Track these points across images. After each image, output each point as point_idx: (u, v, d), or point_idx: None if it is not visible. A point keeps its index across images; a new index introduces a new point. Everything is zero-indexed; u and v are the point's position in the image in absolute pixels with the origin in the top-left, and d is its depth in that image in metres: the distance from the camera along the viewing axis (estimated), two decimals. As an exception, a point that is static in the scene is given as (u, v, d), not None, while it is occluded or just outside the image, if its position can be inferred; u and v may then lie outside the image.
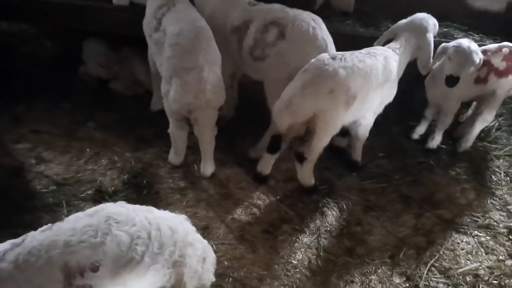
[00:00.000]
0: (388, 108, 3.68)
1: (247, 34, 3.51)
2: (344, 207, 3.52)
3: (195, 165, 3.71)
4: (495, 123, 4.41)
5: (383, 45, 3.58)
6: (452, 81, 3.44)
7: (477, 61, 3.44)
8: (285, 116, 3.19)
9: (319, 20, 3.48)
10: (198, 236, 2.18)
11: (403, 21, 3.59)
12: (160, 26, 3.38)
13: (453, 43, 3.50)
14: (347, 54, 3.19)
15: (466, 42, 3.46)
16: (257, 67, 3.58)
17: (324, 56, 3.16)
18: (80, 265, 1.79)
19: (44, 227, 1.91)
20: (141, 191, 3.42)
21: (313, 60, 3.17)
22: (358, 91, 3.16)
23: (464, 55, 3.39)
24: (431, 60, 3.53)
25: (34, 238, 1.84)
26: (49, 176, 3.46)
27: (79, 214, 1.95)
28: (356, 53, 3.24)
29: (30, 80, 4.42)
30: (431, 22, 3.52)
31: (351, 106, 3.19)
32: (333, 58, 3.13)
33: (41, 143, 3.76)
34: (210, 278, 2.29)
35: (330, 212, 3.47)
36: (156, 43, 3.45)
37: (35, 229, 2.85)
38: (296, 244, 3.19)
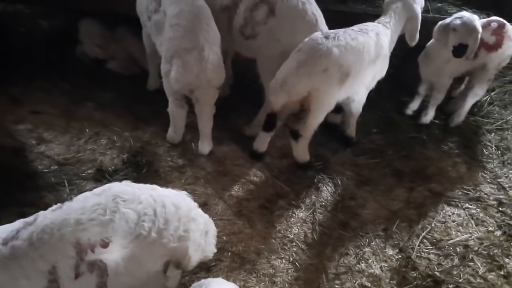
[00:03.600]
0: (381, 84, 3.74)
1: (237, 13, 3.52)
2: (339, 182, 3.61)
3: (192, 143, 3.77)
4: (487, 97, 4.48)
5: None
6: (461, 49, 3.51)
7: (481, 29, 3.51)
8: (280, 95, 3.24)
9: None
10: (200, 211, 2.27)
11: None
12: (160, 7, 3.38)
13: (454, 16, 3.58)
14: (340, 32, 3.22)
15: (466, 13, 3.57)
16: (248, 45, 3.61)
17: (318, 35, 3.19)
18: (91, 241, 1.87)
19: (54, 206, 1.98)
20: (141, 169, 3.48)
21: (306, 39, 3.20)
22: (351, 68, 3.21)
23: (470, 22, 3.48)
24: (418, 32, 3.57)
25: (46, 217, 1.91)
26: (50, 156, 3.51)
27: (87, 193, 2.03)
28: (349, 30, 3.28)
29: (27, 61, 4.41)
30: None
31: (344, 83, 3.25)
32: (327, 37, 3.16)
33: (41, 123, 3.79)
34: (212, 250, 2.39)
35: (325, 188, 3.56)
36: (155, 24, 3.46)
37: (39, 207, 2.95)
38: (292, 219, 3.28)
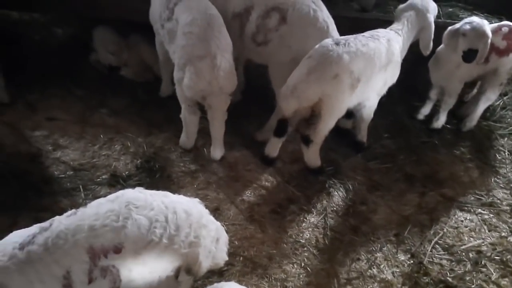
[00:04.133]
0: (392, 88, 3.73)
1: (249, 21, 3.56)
2: (350, 187, 3.61)
3: (204, 149, 3.81)
4: (500, 102, 4.46)
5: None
6: (471, 54, 3.50)
7: (490, 34, 3.50)
8: (291, 101, 3.27)
9: (319, 2, 3.52)
10: (211, 218, 2.30)
11: (404, 4, 3.64)
12: (173, 16, 3.43)
13: (463, 21, 3.58)
14: (351, 38, 3.24)
15: (476, 18, 3.55)
16: (260, 51, 3.65)
17: (328, 41, 3.21)
18: (104, 247, 1.91)
19: (69, 212, 2.03)
20: (154, 175, 3.53)
21: (317, 46, 3.23)
22: (362, 74, 3.23)
23: (479, 27, 3.46)
24: (432, 40, 3.58)
25: (61, 222, 1.97)
26: (65, 162, 3.58)
27: (101, 200, 2.07)
28: (360, 37, 3.29)
29: (43, 68, 4.49)
30: (431, 4, 3.59)
31: (355, 89, 3.26)
32: (337, 43, 3.18)
33: (56, 130, 3.87)
34: (223, 257, 2.41)
35: (336, 192, 3.57)
36: (168, 32, 3.51)
37: (55, 212, 3.01)
38: (303, 224, 3.30)
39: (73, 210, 2.03)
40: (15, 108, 4.03)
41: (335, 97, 3.23)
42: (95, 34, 4.60)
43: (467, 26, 3.48)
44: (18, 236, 1.99)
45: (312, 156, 3.59)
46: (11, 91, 4.09)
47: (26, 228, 2.05)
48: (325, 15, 3.48)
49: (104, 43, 4.52)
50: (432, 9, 3.59)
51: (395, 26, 3.55)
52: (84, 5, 4.17)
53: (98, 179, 3.47)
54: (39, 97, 4.20)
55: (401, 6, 3.65)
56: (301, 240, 3.17)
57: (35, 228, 2.00)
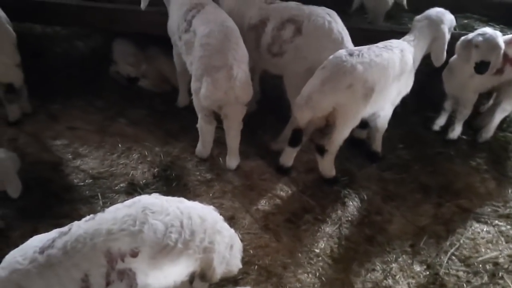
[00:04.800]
0: (406, 99, 3.75)
1: (265, 32, 3.62)
2: (365, 197, 3.61)
3: (220, 158, 3.85)
4: (517, 113, 4.41)
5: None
6: (483, 66, 3.48)
7: (503, 45, 3.49)
8: (305, 111, 3.30)
9: (334, 14, 3.56)
10: (226, 224, 2.33)
11: (421, 15, 3.65)
12: (191, 28, 3.50)
13: (476, 32, 3.56)
14: (364, 49, 3.27)
15: (489, 29, 3.54)
16: (275, 62, 3.70)
17: (342, 52, 3.25)
18: (121, 251, 1.96)
19: (87, 217, 2.09)
20: (171, 183, 3.58)
21: (331, 57, 3.27)
22: (376, 84, 3.25)
23: (492, 39, 3.45)
24: (445, 52, 3.58)
25: (79, 227, 2.03)
26: (85, 170, 3.66)
27: (118, 205, 2.13)
28: (373, 47, 3.32)
29: (64, 80, 4.62)
30: (447, 16, 3.59)
31: (369, 99, 3.28)
32: (351, 54, 3.21)
33: (76, 139, 3.96)
34: (237, 264, 2.44)
35: (351, 202, 3.57)
36: (186, 44, 3.58)
37: (74, 219, 3.08)
38: (318, 233, 3.30)
39: (91, 215, 2.09)
40: (38, 118, 4.15)
41: (349, 107, 3.25)
42: (115, 46, 4.71)
43: (480, 38, 3.47)
44: (38, 240, 2.05)
45: (327, 166, 3.61)
46: (34, 102, 4.22)
47: (46, 233, 2.12)
48: (339, 27, 3.53)
49: (123, 55, 4.61)
50: (447, 21, 3.58)
51: (407, 37, 3.56)
52: (104, 19, 4.28)
53: (116, 187, 3.54)
54: (61, 108, 4.31)
55: (418, 17, 3.66)
56: (316, 250, 3.17)
57: (54, 232, 2.06)
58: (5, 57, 3.73)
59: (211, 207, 2.31)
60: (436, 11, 3.59)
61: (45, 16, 4.43)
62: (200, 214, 2.15)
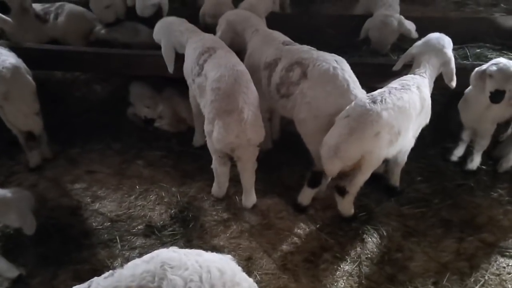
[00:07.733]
0: (424, 130, 3.70)
1: (275, 71, 3.63)
2: (384, 233, 3.55)
3: (236, 197, 3.86)
4: (537, 141, 4.32)
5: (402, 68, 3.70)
6: (498, 95, 3.45)
7: None
8: (336, 162, 3.26)
9: (342, 61, 3.48)
10: (244, 275, 2.29)
11: (418, 43, 3.66)
12: (202, 71, 3.57)
13: (490, 63, 3.55)
14: (386, 94, 3.23)
15: (503, 59, 3.53)
16: (282, 104, 3.67)
17: (364, 100, 3.20)
18: None
19: (107, 274, 2.08)
20: (188, 224, 3.60)
21: (353, 104, 3.22)
22: (401, 127, 3.24)
23: (506, 68, 3.43)
24: (454, 72, 3.57)
25: (99, 284, 2.02)
26: (103, 213, 3.72)
27: (137, 260, 2.12)
28: (393, 90, 3.29)
29: (83, 124, 4.76)
30: (445, 39, 3.60)
31: (395, 143, 3.28)
32: (374, 101, 3.17)
33: (95, 182, 4.05)
34: None
35: (370, 239, 3.51)
36: (199, 87, 3.65)
37: (93, 264, 3.10)
38: (337, 272, 3.25)
39: (111, 272, 2.09)
40: (57, 163, 4.27)
41: (376, 153, 3.24)
42: (132, 89, 4.84)
43: (494, 68, 3.46)
44: None
45: (347, 206, 3.58)
46: (54, 147, 4.34)
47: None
48: (346, 74, 3.41)
49: (140, 98, 4.73)
50: (448, 44, 3.59)
51: (417, 70, 3.54)
52: (122, 65, 4.41)
53: (134, 230, 3.58)
54: (80, 152, 4.43)
55: (417, 46, 3.64)
56: (336, 290, 3.11)
57: None
58: (25, 107, 3.87)
59: (228, 257, 2.29)
60: (436, 38, 3.59)
61: (65, 64, 4.59)
62: (219, 267, 2.12)
